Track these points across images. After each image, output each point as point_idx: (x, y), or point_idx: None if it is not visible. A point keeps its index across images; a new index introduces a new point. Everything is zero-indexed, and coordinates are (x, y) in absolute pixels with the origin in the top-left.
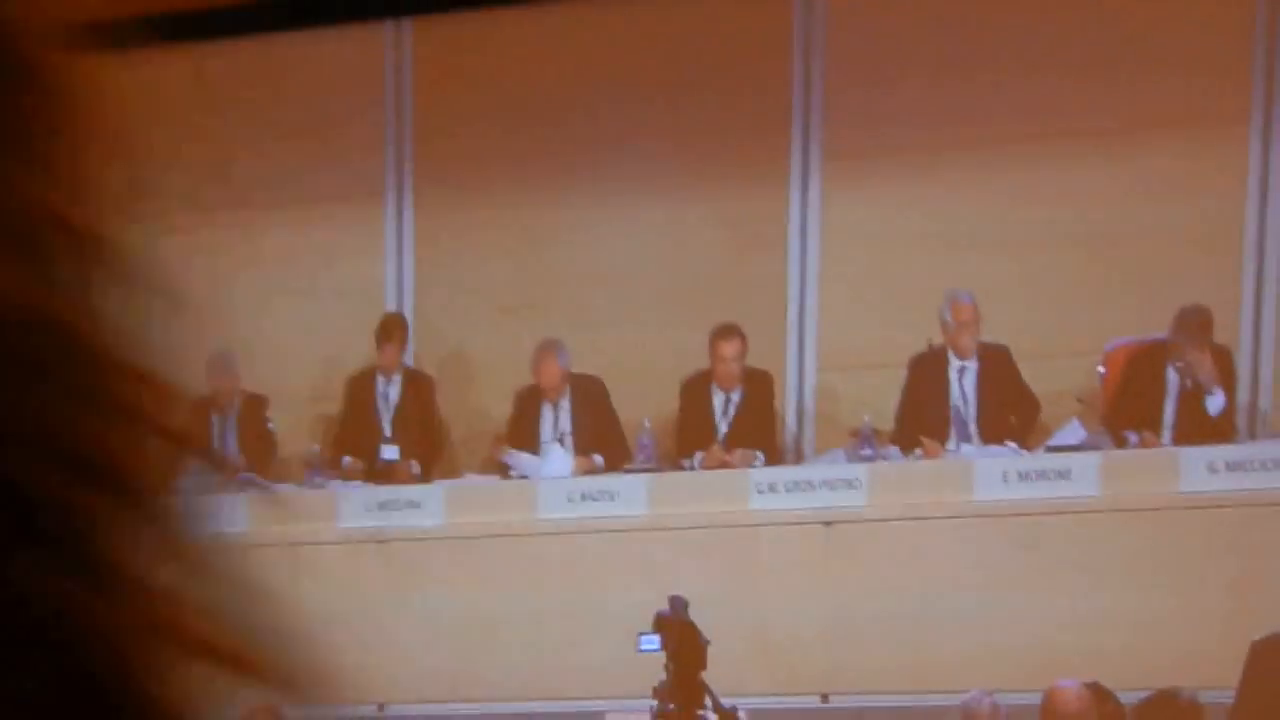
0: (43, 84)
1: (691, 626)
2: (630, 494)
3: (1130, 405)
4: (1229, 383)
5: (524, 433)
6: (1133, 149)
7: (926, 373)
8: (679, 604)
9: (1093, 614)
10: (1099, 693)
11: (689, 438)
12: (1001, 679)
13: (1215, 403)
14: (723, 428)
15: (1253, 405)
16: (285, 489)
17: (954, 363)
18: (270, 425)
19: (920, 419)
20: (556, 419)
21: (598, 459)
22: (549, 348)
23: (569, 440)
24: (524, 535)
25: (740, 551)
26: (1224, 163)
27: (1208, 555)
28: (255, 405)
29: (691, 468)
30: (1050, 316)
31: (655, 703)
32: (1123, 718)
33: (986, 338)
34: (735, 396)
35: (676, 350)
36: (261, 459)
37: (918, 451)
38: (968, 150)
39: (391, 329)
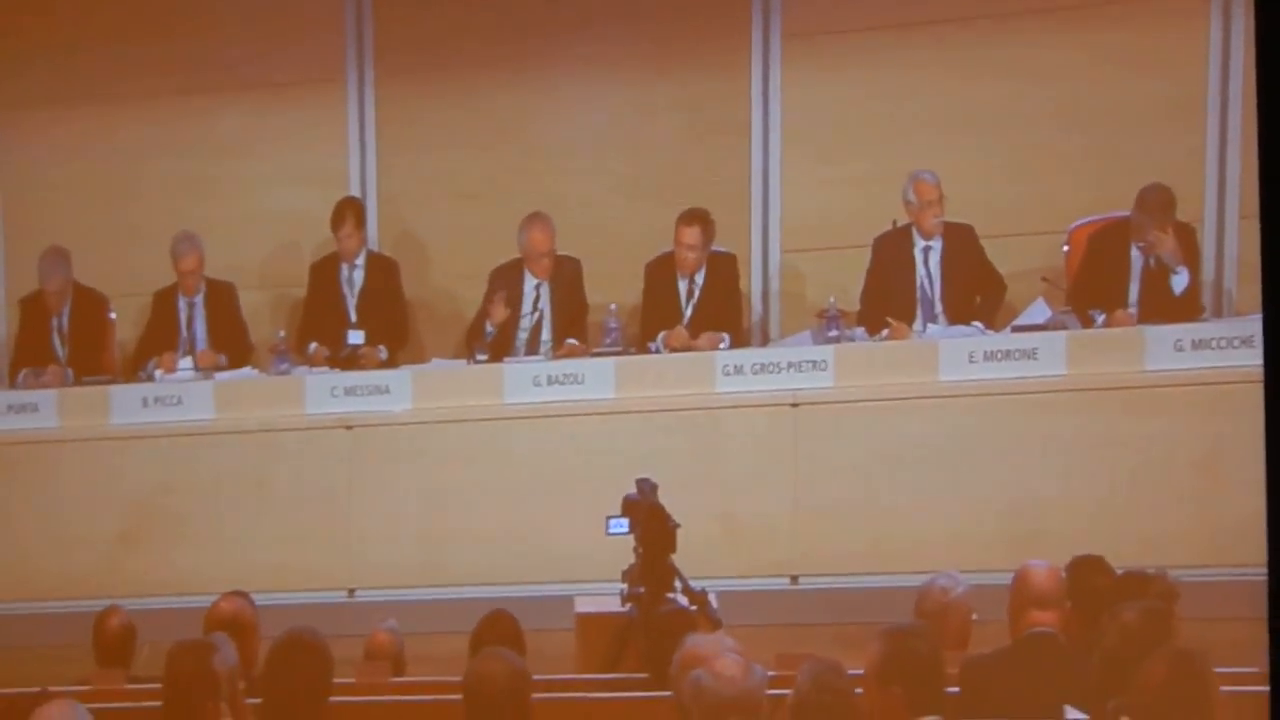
0: None
1: (660, 509)
2: (597, 377)
3: (1095, 284)
4: (1193, 261)
5: (501, 310)
6: (1094, 25)
7: (891, 253)
8: (647, 487)
9: (1060, 494)
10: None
11: (654, 321)
12: (969, 559)
13: (1179, 281)
14: (688, 311)
15: (1218, 283)
16: (251, 375)
17: (919, 242)
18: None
19: (886, 300)
20: (538, 296)
21: (573, 341)
22: (539, 216)
23: (547, 318)
24: (492, 420)
25: (707, 434)
26: (1185, 37)
27: (1174, 433)
28: (223, 292)
29: (657, 350)
30: (1014, 195)
31: (624, 586)
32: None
33: (950, 217)
34: (699, 279)
35: (641, 233)
36: (237, 348)
37: (884, 332)
38: (929, 28)
39: (345, 212)
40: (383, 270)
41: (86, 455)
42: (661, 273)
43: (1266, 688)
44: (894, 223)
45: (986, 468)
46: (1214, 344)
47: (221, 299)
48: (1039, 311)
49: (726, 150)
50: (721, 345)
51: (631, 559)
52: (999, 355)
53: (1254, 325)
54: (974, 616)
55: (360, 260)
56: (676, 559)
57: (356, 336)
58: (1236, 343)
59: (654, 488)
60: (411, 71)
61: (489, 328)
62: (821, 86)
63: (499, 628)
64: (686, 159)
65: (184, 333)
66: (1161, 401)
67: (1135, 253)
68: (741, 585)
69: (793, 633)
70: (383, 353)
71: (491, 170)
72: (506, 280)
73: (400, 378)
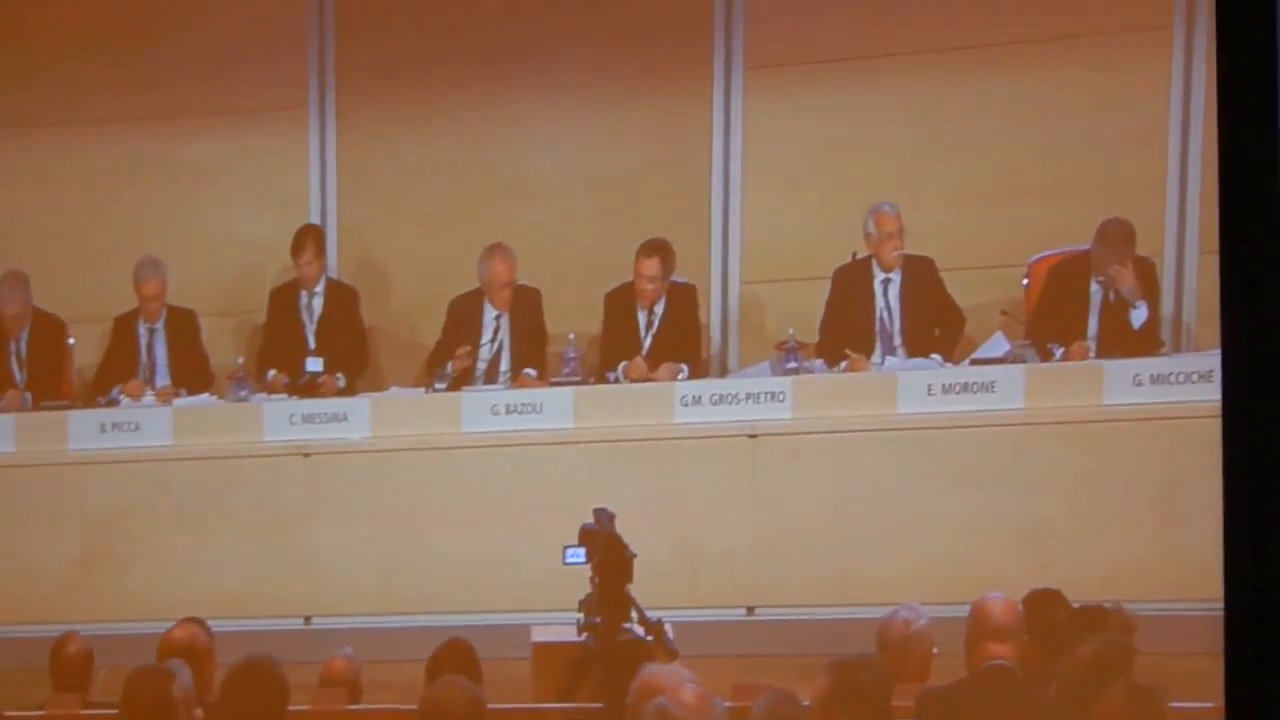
0: None
1: (617, 539)
2: (556, 407)
3: (1054, 318)
4: (1152, 295)
5: (461, 340)
6: (1056, 58)
7: (850, 285)
8: (604, 517)
9: (1017, 527)
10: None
11: (613, 351)
12: (927, 592)
13: (1138, 315)
14: (647, 342)
15: (1177, 318)
16: (209, 401)
17: (878, 274)
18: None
19: (845, 331)
20: (498, 327)
21: (530, 373)
22: (500, 248)
23: (506, 348)
24: (450, 448)
25: (665, 464)
26: (1147, 72)
27: (1132, 468)
28: (184, 319)
29: (616, 380)
30: (974, 228)
31: (581, 616)
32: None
33: (911, 249)
34: (659, 309)
35: (602, 262)
36: (197, 376)
37: (843, 364)
38: (890, 61)
39: (305, 240)
40: (342, 298)
41: (44, 480)
42: (621, 303)
43: None
44: (854, 255)
45: (944, 500)
46: (1173, 379)
47: (182, 326)
48: (998, 345)
49: (688, 181)
50: (680, 376)
51: (588, 589)
52: (957, 388)
53: (1213, 360)
54: (935, 650)
55: (320, 288)
56: (633, 589)
57: (315, 364)
58: (1195, 377)
59: (611, 518)
60: (374, 98)
61: (449, 369)
62: (783, 118)
63: (455, 655)
64: (648, 189)
65: (144, 358)
66: (1120, 435)
67: (1095, 287)
68: (698, 616)
69: (749, 664)
70: (341, 380)
71: (453, 198)
72: (466, 311)
73: (358, 405)
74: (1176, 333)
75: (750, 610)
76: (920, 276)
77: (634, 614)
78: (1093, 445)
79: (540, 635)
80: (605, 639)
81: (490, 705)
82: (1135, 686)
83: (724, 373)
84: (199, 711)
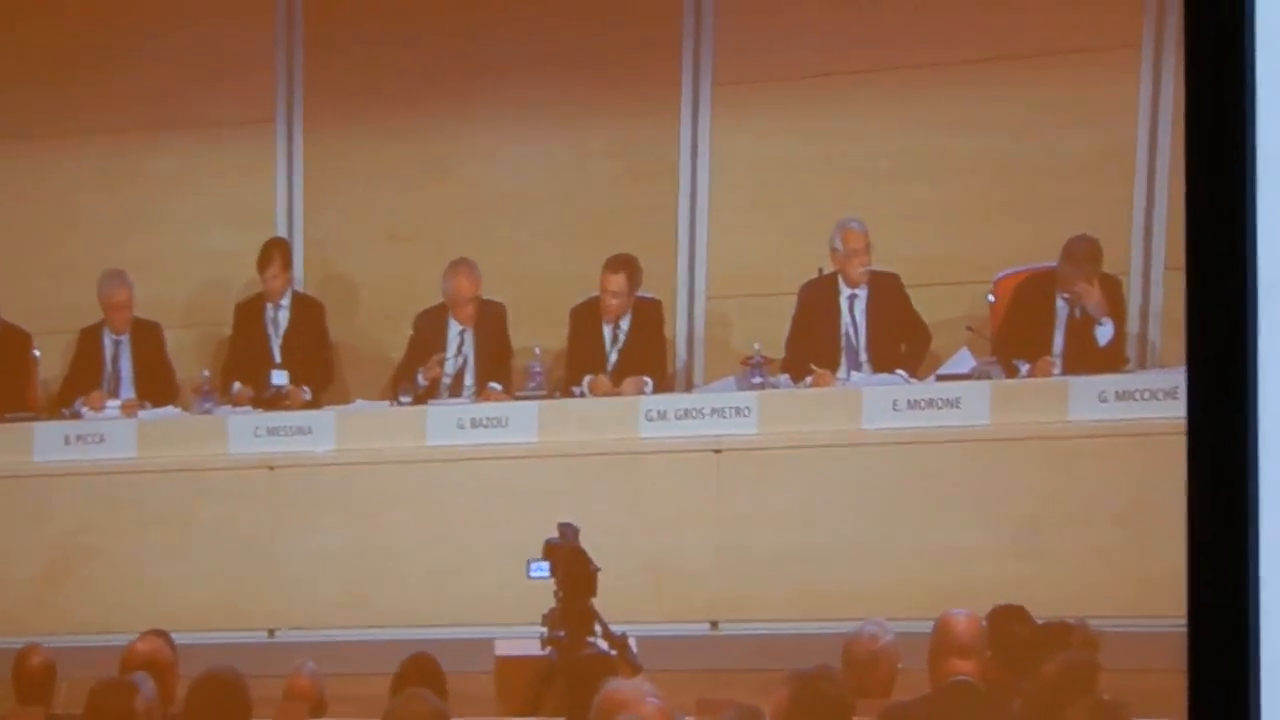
0: None
1: (581, 553)
2: (521, 421)
3: (1020, 334)
4: (1118, 312)
5: (425, 356)
6: (1024, 76)
7: (817, 300)
8: (569, 531)
9: (981, 542)
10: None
11: (579, 365)
12: (892, 608)
13: (1104, 332)
14: (613, 356)
15: (1142, 335)
16: (174, 413)
17: (844, 290)
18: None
19: (811, 347)
20: (462, 342)
21: (495, 386)
22: (464, 263)
23: (470, 363)
24: (414, 461)
25: (630, 479)
26: (1115, 90)
27: (1097, 484)
28: (150, 332)
29: (581, 395)
30: (940, 244)
31: (545, 630)
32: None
33: (877, 265)
34: (624, 324)
35: (569, 277)
36: (162, 389)
37: (808, 379)
38: (858, 77)
39: (271, 253)
40: (307, 311)
41: (9, 492)
42: (586, 318)
43: None
44: (820, 270)
45: (908, 515)
46: (1138, 395)
47: (148, 338)
48: (963, 361)
49: (655, 196)
50: (645, 390)
51: (552, 603)
52: (922, 403)
53: (1178, 377)
54: (900, 665)
55: (286, 301)
56: (597, 603)
57: (280, 377)
58: (1160, 394)
59: (576, 532)
60: (341, 113)
61: (420, 379)
62: (751, 134)
63: (420, 670)
64: (615, 204)
65: (109, 370)
66: (1085, 451)
67: (1061, 303)
68: (662, 630)
69: (713, 678)
70: (307, 393)
71: (420, 213)
72: (431, 326)
73: (323, 419)
74: (1142, 349)
75: (715, 625)
76: (886, 292)
77: (598, 628)
78: (1058, 461)
79: (504, 649)
80: (569, 653)
81: (453, 718)
82: (1099, 703)
83: (689, 387)
84: None
